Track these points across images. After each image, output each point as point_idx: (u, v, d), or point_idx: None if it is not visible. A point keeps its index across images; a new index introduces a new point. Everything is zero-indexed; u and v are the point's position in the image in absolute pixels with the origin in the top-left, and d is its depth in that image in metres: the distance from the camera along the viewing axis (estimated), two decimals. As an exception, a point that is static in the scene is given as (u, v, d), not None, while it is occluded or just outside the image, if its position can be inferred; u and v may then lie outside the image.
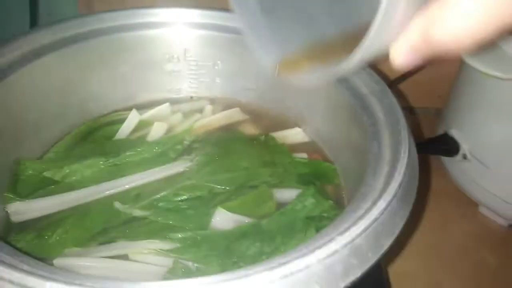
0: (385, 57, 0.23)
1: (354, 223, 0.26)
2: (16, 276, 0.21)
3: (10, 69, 0.42)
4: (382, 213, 0.27)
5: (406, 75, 0.69)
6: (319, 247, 0.25)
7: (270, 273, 0.23)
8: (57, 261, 0.36)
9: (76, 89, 0.49)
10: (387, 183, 0.30)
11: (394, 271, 0.51)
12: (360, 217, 0.27)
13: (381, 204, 0.28)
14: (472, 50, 0.20)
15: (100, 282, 0.21)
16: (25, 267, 0.23)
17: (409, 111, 0.76)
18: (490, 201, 0.56)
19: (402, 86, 0.72)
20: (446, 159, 0.61)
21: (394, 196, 0.29)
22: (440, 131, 0.61)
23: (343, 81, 0.44)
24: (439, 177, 0.63)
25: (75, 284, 0.21)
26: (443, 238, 0.56)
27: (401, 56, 0.22)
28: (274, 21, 0.35)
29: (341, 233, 0.26)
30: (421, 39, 0.20)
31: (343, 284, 0.24)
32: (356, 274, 0.25)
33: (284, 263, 0.24)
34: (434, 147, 0.61)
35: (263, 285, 0.23)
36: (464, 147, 0.57)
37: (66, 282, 0.21)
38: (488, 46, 0.17)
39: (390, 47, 0.22)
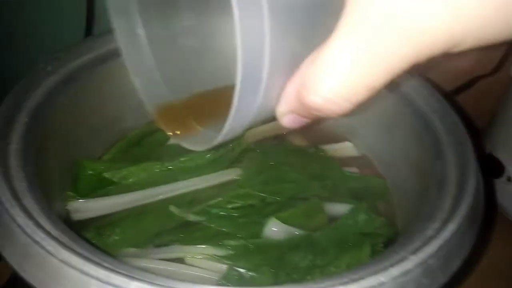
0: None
1: (425, 243, 0.26)
2: (103, 273, 0.22)
3: (80, 72, 0.44)
4: (453, 234, 0.27)
5: (458, 91, 0.68)
6: (392, 265, 0.24)
7: (344, 287, 0.23)
8: (117, 261, 0.36)
9: (131, 95, 0.51)
10: (456, 204, 0.30)
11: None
12: (432, 237, 0.27)
13: (452, 225, 0.27)
14: (350, 111, 0.19)
15: (182, 285, 0.22)
16: (108, 265, 0.23)
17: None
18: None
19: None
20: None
21: (465, 217, 0.28)
22: (485, 152, 0.60)
23: (402, 98, 0.44)
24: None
25: (159, 285, 0.22)
26: (486, 264, 0.55)
27: (285, 118, 0.22)
28: (164, 63, 0.33)
29: (414, 253, 0.25)
30: (297, 102, 0.19)
31: (414, 304, 0.24)
32: (427, 295, 0.25)
33: (356, 280, 0.24)
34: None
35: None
36: (509, 169, 0.55)
37: (151, 283, 0.22)
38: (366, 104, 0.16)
39: (276, 108, 0.21)
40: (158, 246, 0.40)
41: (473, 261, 0.52)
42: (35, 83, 0.40)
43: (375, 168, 0.49)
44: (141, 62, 0.33)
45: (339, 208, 0.44)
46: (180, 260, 0.38)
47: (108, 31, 0.48)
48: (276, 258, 0.39)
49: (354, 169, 0.49)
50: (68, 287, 0.23)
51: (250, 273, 0.38)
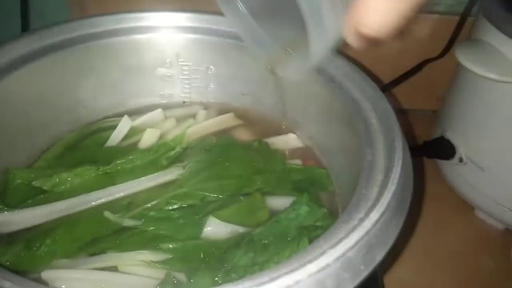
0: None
1: (346, 235, 0.26)
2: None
3: (2, 73, 0.41)
4: (375, 224, 0.27)
5: (401, 79, 0.69)
6: (310, 261, 0.24)
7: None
8: (44, 274, 0.35)
9: (65, 95, 0.49)
10: (380, 193, 0.29)
11: (390, 277, 0.50)
12: (352, 229, 0.26)
13: (374, 215, 0.27)
14: (393, 34, 0.26)
15: None
16: (7, 284, 0.22)
17: (404, 113, 0.76)
18: (486, 204, 0.56)
19: (400, 88, 0.71)
20: (442, 163, 0.61)
21: (388, 206, 0.28)
22: (437, 134, 0.61)
23: (338, 87, 0.43)
24: (435, 180, 0.63)
25: None
26: (439, 242, 0.56)
27: (352, 40, 0.27)
28: (262, 22, 0.39)
29: (333, 246, 0.25)
30: (356, 33, 0.26)
31: (334, 299, 0.24)
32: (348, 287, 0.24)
33: (274, 279, 0.23)
34: (430, 150, 0.61)
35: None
36: (460, 150, 0.56)
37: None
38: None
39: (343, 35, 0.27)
40: (92, 254, 0.38)
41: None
42: None
43: (317, 158, 0.49)
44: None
45: (282, 202, 0.43)
46: (114, 269, 0.37)
47: (41, 27, 0.46)
48: (216, 258, 0.38)
49: (297, 161, 0.49)
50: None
51: (188, 277, 0.36)
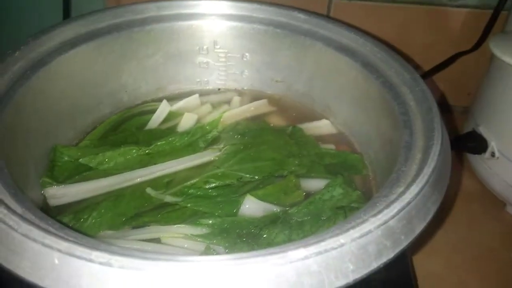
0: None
1: (387, 205, 0.26)
2: (64, 245, 0.22)
3: (49, 57, 0.44)
4: (415, 197, 0.27)
5: (433, 72, 0.68)
6: (353, 227, 0.25)
7: (305, 250, 0.23)
8: (93, 242, 0.37)
9: (108, 79, 0.51)
10: (420, 169, 0.30)
11: (420, 270, 0.50)
12: (393, 200, 0.27)
13: (414, 189, 0.28)
14: None
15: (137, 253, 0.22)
16: (70, 238, 0.24)
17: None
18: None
19: (431, 84, 0.71)
20: (473, 157, 0.60)
21: (427, 181, 0.29)
22: (468, 129, 0.60)
23: (373, 71, 0.44)
24: (466, 176, 0.62)
25: (119, 254, 0.22)
26: (469, 237, 0.55)
27: None
28: None
29: (375, 215, 0.26)
30: None
31: (375, 264, 0.25)
32: (389, 255, 0.25)
33: (318, 241, 0.24)
34: (461, 144, 0.61)
35: (297, 261, 0.23)
36: (493, 144, 0.56)
37: (110, 252, 0.22)
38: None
39: None
40: (136, 227, 0.40)
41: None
42: (2, 69, 0.39)
43: (351, 144, 0.50)
44: None
45: (315, 184, 0.44)
46: (157, 240, 0.39)
47: (83, 14, 0.49)
48: (252, 234, 0.39)
49: (331, 146, 0.49)
50: (31, 260, 0.23)
51: (227, 251, 0.38)
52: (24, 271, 0.23)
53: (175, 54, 0.54)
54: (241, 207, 0.41)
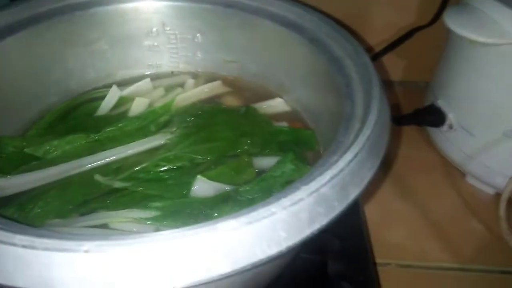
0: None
1: (320, 174, 0.27)
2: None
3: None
4: (348, 164, 0.28)
5: (390, 48, 0.69)
6: (285, 196, 0.25)
7: (235, 221, 0.23)
8: (37, 231, 0.36)
9: (53, 66, 0.49)
10: (355, 140, 0.30)
11: (381, 241, 0.52)
12: (327, 168, 0.27)
13: (348, 156, 0.28)
14: None
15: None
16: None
17: (396, 85, 0.76)
18: (476, 170, 0.57)
19: (391, 60, 0.72)
20: (433, 130, 0.62)
21: (362, 148, 0.29)
22: (428, 102, 0.61)
23: (320, 46, 0.44)
24: (426, 149, 0.64)
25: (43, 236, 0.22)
26: (430, 208, 0.57)
27: None
28: None
29: (307, 183, 0.26)
30: None
31: (309, 231, 0.25)
32: (322, 222, 0.25)
33: (249, 212, 0.24)
34: (421, 118, 0.62)
35: (228, 232, 0.23)
36: (451, 116, 0.57)
37: (34, 235, 0.22)
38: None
39: None
40: (84, 214, 0.39)
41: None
42: None
43: (304, 121, 0.50)
44: None
45: (268, 162, 0.44)
46: (105, 226, 0.38)
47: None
48: (203, 214, 0.39)
49: (284, 123, 0.49)
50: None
51: (176, 231, 0.38)
52: None
53: (122, 38, 0.53)
54: (192, 188, 0.41)
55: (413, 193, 0.59)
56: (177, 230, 0.24)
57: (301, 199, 0.25)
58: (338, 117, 0.40)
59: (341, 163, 0.27)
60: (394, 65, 0.75)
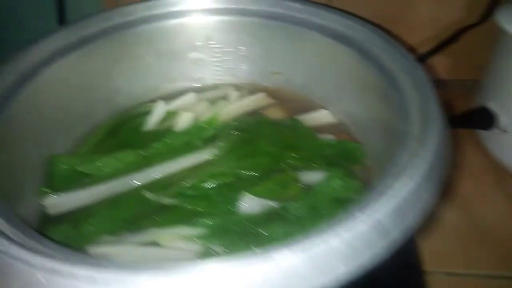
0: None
1: (378, 200, 0.25)
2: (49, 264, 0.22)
3: (40, 67, 0.44)
4: (408, 190, 0.26)
5: (438, 49, 0.66)
6: (341, 226, 0.24)
7: (290, 251, 0.23)
8: (91, 250, 0.37)
9: (101, 84, 0.51)
10: (414, 159, 0.29)
11: (430, 249, 0.49)
12: (384, 194, 0.26)
13: (407, 182, 0.27)
14: None
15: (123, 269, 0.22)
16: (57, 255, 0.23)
17: (442, 84, 0.73)
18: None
19: (437, 58, 0.69)
20: (483, 133, 0.59)
21: (421, 173, 0.27)
22: (477, 104, 0.59)
23: (371, 58, 0.42)
24: (476, 151, 0.60)
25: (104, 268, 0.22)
26: (481, 214, 0.54)
27: None
28: None
29: (364, 211, 0.25)
30: None
31: (368, 264, 0.24)
32: (381, 254, 0.24)
33: (303, 242, 0.23)
34: (470, 120, 0.59)
35: (284, 263, 0.23)
36: (503, 119, 0.54)
37: (95, 268, 0.22)
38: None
39: None
40: (133, 231, 0.40)
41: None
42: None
43: (351, 133, 0.48)
44: None
45: (314, 176, 0.43)
46: (154, 244, 0.38)
47: (76, 20, 0.48)
48: (252, 232, 0.38)
49: (330, 136, 0.48)
50: (15, 283, 0.23)
51: (226, 251, 0.37)
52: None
53: (167, 53, 0.53)
54: (239, 205, 0.40)
55: (461, 198, 0.56)
56: (231, 258, 0.23)
57: (359, 230, 0.24)
58: (389, 131, 0.39)
59: (401, 189, 0.26)
60: (439, 63, 0.71)
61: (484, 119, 0.56)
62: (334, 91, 0.51)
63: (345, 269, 0.23)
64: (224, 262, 0.23)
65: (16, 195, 0.39)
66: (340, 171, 0.42)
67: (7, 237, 0.26)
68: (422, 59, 0.65)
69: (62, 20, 0.62)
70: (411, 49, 0.67)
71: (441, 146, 0.30)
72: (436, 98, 0.34)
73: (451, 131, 0.34)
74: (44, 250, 0.25)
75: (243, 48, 0.54)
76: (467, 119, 0.59)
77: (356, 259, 0.23)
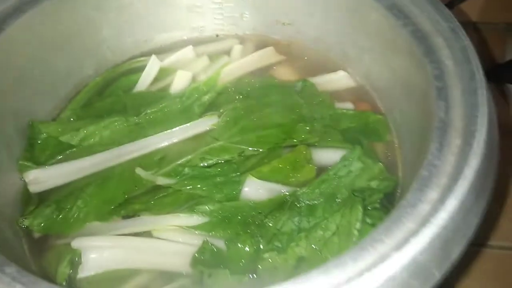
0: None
1: (416, 231, 0.20)
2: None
3: (7, 21, 0.37)
4: (452, 216, 0.21)
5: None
6: (369, 269, 0.19)
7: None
8: (75, 242, 0.33)
9: (86, 34, 0.44)
10: (459, 167, 0.23)
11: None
12: (423, 222, 0.21)
13: (452, 203, 0.21)
14: None
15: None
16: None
17: (474, 28, 0.64)
18: None
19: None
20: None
21: (469, 189, 0.22)
22: (510, 56, 0.52)
23: (401, 16, 0.35)
24: (507, 108, 0.53)
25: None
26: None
27: None
28: None
29: (399, 247, 0.20)
30: None
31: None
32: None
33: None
34: (503, 74, 0.52)
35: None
36: None
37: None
38: None
39: None
40: (125, 217, 0.36)
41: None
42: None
43: (373, 101, 0.42)
44: None
45: (329, 156, 0.38)
46: (148, 234, 0.34)
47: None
48: (256, 223, 0.34)
49: (348, 105, 0.42)
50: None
51: (228, 244, 0.33)
52: None
53: (160, -1, 0.45)
54: (243, 190, 0.36)
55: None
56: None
57: (393, 275, 0.19)
58: (422, 106, 0.33)
59: (443, 215, 0.21)
60: (469, 4, 0.62)
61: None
62: (353, 48, 0.44)
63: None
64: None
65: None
66: (359, 151, 0.36)
67: None
68: (451, 5, 0.57)
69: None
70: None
71: (491, 148, 0.25)
72: (484, 80, 0.28)
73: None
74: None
75: (247, -9, 0.46)
76: (501, 72, 0.52)
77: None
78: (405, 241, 0.20)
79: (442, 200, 0.22)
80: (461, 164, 0.24)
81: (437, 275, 0.20)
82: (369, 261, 0.20)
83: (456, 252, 0.21)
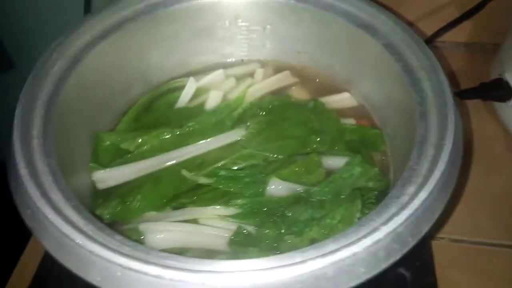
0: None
1: (397, 212, 0.30)
2: (123, 260, 0.28)
3: (83, 53, 0.46)
4: (423, 203, 0.30)
5: (462, 19, 0.65)
6: (365, 236, 0.29)
7: (322, 260, 0.28)
8: (142, 226, 0.42)
9: (137, 63, 0.53)
10: (430, 170, 0.33)
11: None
12: (403, 207, 0.30)
13: (423, 194, 0.31)
14: None
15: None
16: (129, 253, 0.29)
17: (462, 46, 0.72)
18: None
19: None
20: (498, 105, 0.59)
21: (437, 184, 0.32)
22: (495, 75, 0.59)
23: (394, 53, 0.44)
24: (489, 121, 0.61)
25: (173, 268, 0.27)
26: (489, 183, 0.55)
27: None
28: None
29: (385, 223, 0.29)
30: None
31: (384, 265, 0.29)
32: (396, 256, 0.29)
33: (334, 251, 0.28)
34: (486, 92, 0.60)
35: (315, 270, 0.28)
36: None
37: (163, 266, 0.27)
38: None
39: None
40: (174, 208, 0.45)
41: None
42: (44, 73, 0.43)
43: (371, 118, 0.52)
44: None
45: (336, 162, 0.47)
46: (194, 221, 0.44)
47: (105, 6, 0.50)
48: (278, 214, 0.44)
49: (351, 120, 0.52)
50: (98, 271, 0.28)
51: (256, 229, 0.43)
52: (93, 279, 0.28)
53: (198, 31, 0.55)
54: (267, 188, 0.45)
55: (473, 168, 0.57)
56: (269, 260, 0.28)
57: (380, 240, 0.28)
58: (408, 123, 0.42)
59: (416, 202, 0.30)
60: (459, 27, 0.70)
61: (501, 91, 0.57)
62: (356, 74, 0.53)
63: (365, 270, 0.28)
64: (255, 262, 0.28)
65: (71, 171, 0.43)
66: (359, 158, 0.46)
67: (83, 232, 0.31)
68: (428, 41, 0.65)
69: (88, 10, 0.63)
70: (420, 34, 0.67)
71: (455, 156, 0.34)
72: (453, 106, 0.37)
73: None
74: (117, 246, 0.30)
75: (268, 27, 0.56)
76: (483, 90, 0.59)
77: (376, 263, 0.28)
78: (389, 220, 0.30)
79: (417, 193, 0.31)
80: (432, 168, 0.33)
81: (412, 241, 0.30)
82: (365, 232, 0.29)
83: (425, 227, 0.30)
